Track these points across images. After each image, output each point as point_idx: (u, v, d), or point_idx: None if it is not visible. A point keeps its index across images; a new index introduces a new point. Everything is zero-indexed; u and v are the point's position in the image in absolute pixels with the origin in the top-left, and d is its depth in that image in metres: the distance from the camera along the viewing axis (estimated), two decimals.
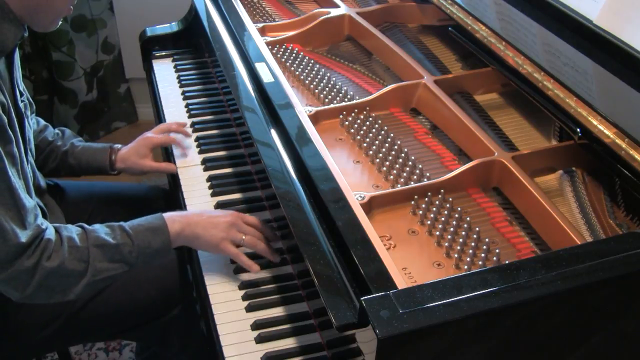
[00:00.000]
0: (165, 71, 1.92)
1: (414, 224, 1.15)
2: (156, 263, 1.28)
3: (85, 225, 1.22)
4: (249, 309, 1.22)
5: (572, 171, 1.25)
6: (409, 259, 1.08)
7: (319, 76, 1.53)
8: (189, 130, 1.68)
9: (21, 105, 1.30)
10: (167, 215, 1.27)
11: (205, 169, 1.56)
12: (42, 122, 1.58)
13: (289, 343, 1.16)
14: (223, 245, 1.25)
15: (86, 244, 1.18)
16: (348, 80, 1.55)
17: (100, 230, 1.21)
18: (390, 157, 1.27)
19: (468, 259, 1.07)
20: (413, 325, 0.83)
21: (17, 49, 1.34)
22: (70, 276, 1.17)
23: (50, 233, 1.16)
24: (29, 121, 1.36)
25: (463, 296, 0.86)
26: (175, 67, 1.93)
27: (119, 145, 1.59)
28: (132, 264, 1.22)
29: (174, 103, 1.79)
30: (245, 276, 1.29)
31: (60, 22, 1.28)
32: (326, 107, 1.39)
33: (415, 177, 1.23)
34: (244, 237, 1.26)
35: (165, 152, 1.63)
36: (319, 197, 1.10)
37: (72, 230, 1.19)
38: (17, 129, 1.23)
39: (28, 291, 1.14)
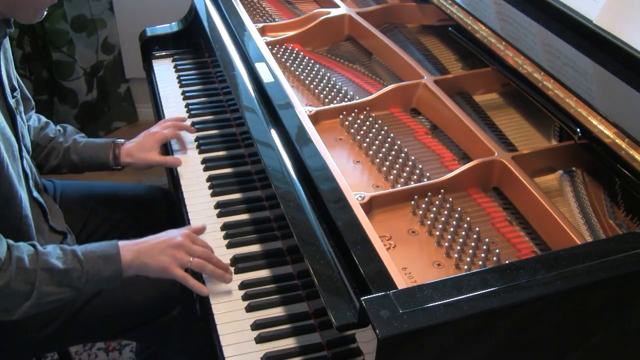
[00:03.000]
0: (165, 71, 1.92)
1: (414, 224, 1.15)
2: (106, 288, 1.24)
3: (38, 246, 1.19)
4: (249, 309, 1.22)
5: (572, 171, 1.25)
6: (409, 259, 1.08)
7: (319, 76, 1.53)
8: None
9: (12, 101, 1.28)
10: (123, 243, 1.23)
11: (205, 169, 1.56)
12: (43, 119, 1.58)
13: (289, 343, 1.16)
14: (171, 270, 1.23)
15: (35, 266, 1.15)
16: (348, 80, 1.55)
17: (52, 253, 1.18)
18: (390, 157, 1.27)
19: (468, 259, 1.07)
20: (413, 325, 0.83)
21: (8, 44, 1.33)
22: (14, 296, 1.14)
23: (1, 251, 1.13)
24: (22, 117, 1.35)
25: (463, 296, 0.86)
26: (175, 67, 1.93)
27: (122, 140, 1.58)
28: (79, 289, 1.20)
29: (174, 103, 1.79)
30: (245, 276, 1.29)
31: (45, 12, 1.26)
32: (326, 107, 1.39)
33: (415, 177, 1.23)
34: (191, 260, 1.23)
35: (165, 150, 1.63)
36: (319, 197, 1.10)
37: (23, 251, 1.16)
38: (9, 126, 1.22)
39: None
